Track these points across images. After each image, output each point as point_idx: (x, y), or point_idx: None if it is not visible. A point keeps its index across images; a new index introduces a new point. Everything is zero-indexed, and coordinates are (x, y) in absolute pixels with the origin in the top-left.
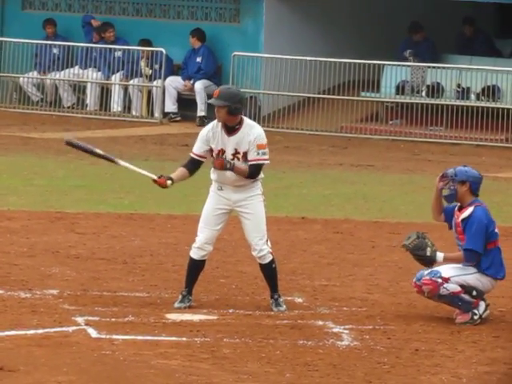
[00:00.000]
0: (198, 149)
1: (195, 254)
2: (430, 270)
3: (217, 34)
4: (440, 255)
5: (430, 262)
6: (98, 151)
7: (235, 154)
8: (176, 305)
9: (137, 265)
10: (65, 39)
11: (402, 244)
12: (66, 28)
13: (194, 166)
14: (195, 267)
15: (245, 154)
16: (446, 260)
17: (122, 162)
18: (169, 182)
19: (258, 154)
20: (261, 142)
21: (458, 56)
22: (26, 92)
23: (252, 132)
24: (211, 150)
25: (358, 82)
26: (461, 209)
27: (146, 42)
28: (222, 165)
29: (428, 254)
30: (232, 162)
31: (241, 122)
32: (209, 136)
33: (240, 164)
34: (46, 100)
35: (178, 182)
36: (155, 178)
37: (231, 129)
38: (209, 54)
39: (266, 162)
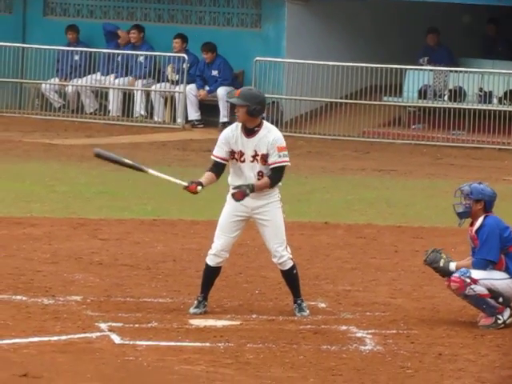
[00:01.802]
0: (218, 151)
1: (211, 260)
2: (461, 269)
3: (238, 40)
4: (452, 264)
5: (446, 272)
6: (127, 161)
7: (255, 155)
8: (191, 310)
9: (160, 270)
10: (86, 45)
11: (423, 260)
12: (87, 34)
13: (218, 169)
14: (211, 274)
15: (263, 157)
16: (458, 268)
17: (151, 171)
18: (199, 187)
19: (280, 156)
20: (280, 144)
21: (479, 60)
22: (48, 98)
23: (270, 134)
24: (232, 152)
25: (381, 86)
26: (472, 224)
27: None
28: (242, 195)
29: (441, 264)
30: (249, 185)
31: (260, 125)
32: (229, 137)
33: (257, 181)
34: (68, 107)
35: (207, 186)
36: (186, 184)
37: (250, 131)
38: (224, 64)
39: (287, 163)
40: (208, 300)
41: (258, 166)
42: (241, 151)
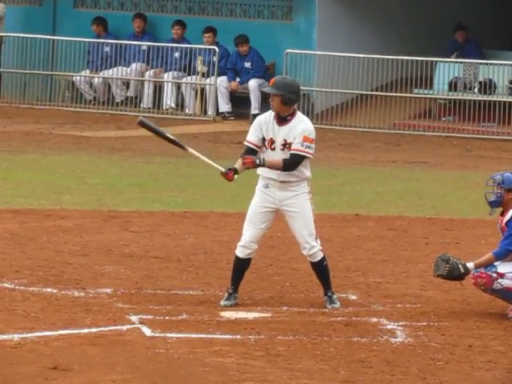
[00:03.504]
0: (251, 137)
1: (240, 252)
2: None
3: (269, 32)
4: (471, 265)
5: (465, 276)
6: (169, 135)
7: (284, 144)
8: (222, 303)
9: (191, 263)
10: (116, 38)
11: (435, 275)
12: (118, 26)
13: (251, 154)
14: (240, 265)
15: (290, 145)
16: (477, 266)
17: (191, 150)
18: (235, 176)
19: (302, 145)
20: (307, 135)
21: (509, 52)
22: (80, 90)
23: (301, 125)
24: (263, 139)
25: (411, 78)
26: (503, 213)
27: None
28: (252, 162)
29: (462, 271)
30: (261, 157)
31: (293, 114)
32: (262, 123)
33: (271, 158)
34: (98, 99)
35: (241, 172)
36: (223, 170)
37: (282, 119)
38: (258, 57)
39: (308, 155)
40: (238, 292)
41: (288, 154)
42: (271, 139)
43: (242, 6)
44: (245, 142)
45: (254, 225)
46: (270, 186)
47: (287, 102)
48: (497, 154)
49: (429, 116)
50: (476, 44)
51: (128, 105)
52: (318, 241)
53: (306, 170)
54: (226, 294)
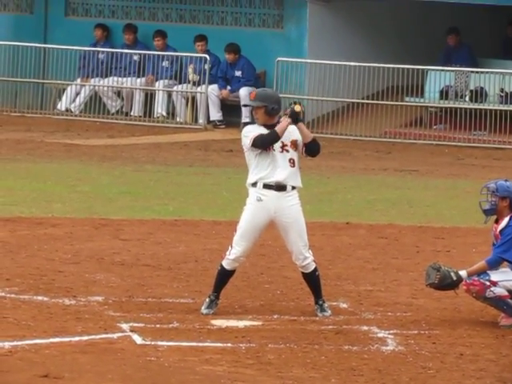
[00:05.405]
0: (259, 131)
1: (229, 265)
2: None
3: (260, 40)
4: (463, 273)
5: (457, 284)
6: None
7: (283, 146)
8: (204, 310)
9: (181, 271)
10: (111, 46)
11: (426, 284)
12: (109, 34)
13: None
14: (227, 276)
15: (294, 143)
16: (470, 274)
17: None
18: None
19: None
20: None
21: (500, 60)
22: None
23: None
24: None
25: (402, 87)
26: (497, 221)
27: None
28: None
29: (455, 278)
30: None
31: (278, 121)
32: (255, 128)
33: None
34: (89, 107)
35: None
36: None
37: (272, 126)
38: (248, 65)
39: None
40: (220, 298)
41: (288, 155)
42: None
43: (233, 15)
44: (256, 135)
45: (247, 241)
46: (264, 197)
47: (271, 113)
48: (488, 163)
49: (420, 124)
50: (468, 49)
51: (119, 113)
52: (310, 251)
53: (299, 178)
54: (207, 300)
